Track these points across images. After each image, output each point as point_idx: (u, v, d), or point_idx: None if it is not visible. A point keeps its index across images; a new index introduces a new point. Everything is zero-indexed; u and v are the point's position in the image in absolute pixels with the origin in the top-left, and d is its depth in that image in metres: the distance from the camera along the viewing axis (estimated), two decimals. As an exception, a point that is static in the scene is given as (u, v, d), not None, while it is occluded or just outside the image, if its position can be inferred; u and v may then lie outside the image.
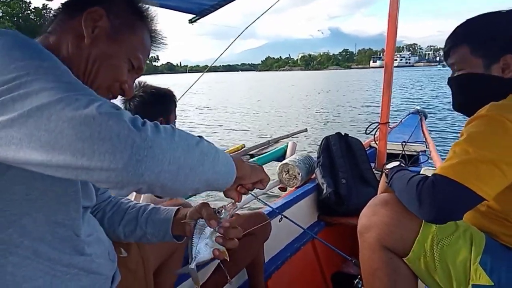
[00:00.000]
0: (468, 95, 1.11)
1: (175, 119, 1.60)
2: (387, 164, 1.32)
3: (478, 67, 1.07)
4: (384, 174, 1.32)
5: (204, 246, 0.84)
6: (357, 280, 1.52)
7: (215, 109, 16.38)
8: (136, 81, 1.09)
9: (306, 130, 5.19)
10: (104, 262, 0.78)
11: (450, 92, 1.19)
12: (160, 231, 0.91)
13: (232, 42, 2.33)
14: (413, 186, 0.99)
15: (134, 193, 1.49)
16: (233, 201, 0.82)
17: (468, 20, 1.13)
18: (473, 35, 1.09)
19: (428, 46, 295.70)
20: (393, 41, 2.33)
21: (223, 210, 0.82)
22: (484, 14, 1.11)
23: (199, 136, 0.62)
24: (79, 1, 0.76)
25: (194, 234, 0.83)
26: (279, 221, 1.78)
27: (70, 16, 0.75)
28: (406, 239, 1.03)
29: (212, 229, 0.82)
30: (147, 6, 0.84)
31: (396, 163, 1.27)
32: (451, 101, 1.20)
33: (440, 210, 0.94)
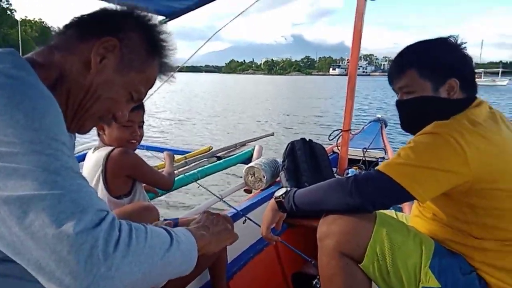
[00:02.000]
0: (419, 116, 1.16)
1: (143, 124, 1.58)
2: (279, 194, 1.31)
3: (428, 89, 1.14)
4: (273, 204, 1.33)
5: None
6: (315, 280, 1.58)
7: (183, 110, 16.08)
8: None
9: (272, 134, 5.26)
10: None
11: (398, 113, 1.25)
12: None
13: (203, 45, 2.36)
14: (343, 181, 1.12)
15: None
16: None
17: (411, 46, 1.22)
18: (421, 60, 1.16)
19: (383, 57, 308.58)
20: (356, 53, 2.44)
21: None
22: (424, 41, 1.22)
23: (170, 236, 0.64)
24: (95, 25, 0.73)
25: None
26: (243, 223, 1.80)
27: (81, 37, 0.72)
28: (361, 246, 1.09)
29: None
30: (166, 38, 0.80)
31: (284, 189, 1.31)
32: (400, 121, 1.26)
33: (368, 198, 1.07)
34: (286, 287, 2.09)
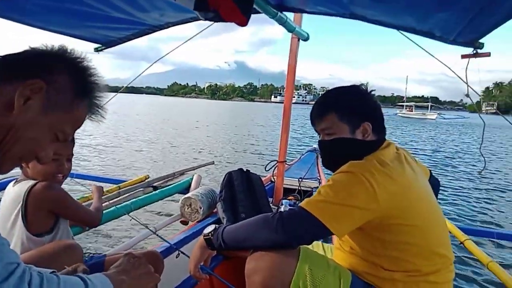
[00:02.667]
0: (338, 155, 1.27)
1: (72, 156, 1.51)
2: (207, 231, 1.35)
3: (346, 132, 1.27)
4: (201, 241, 1.35)
5: None
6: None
7: (119, 135, 15.25)
8: None
9: (213, 163, 5.20)
10: None
11: (320, 153, 1.38)
12: None
13: (148, 68, 2.38)
14: (269, 218, 1.17)
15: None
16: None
17: (331, 92, 1.35)
18: (339, 105, 1.30)
19: (321, 87, 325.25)
20: (291, 88, 2.58)
21: None
22: (342, 87, 1.36)
23: (85, 286, 0.66)
24: (22, 67, 0.70)
25: None
26: (176, 257, 1.76)
27: (6, 78, 0.69)
28: (285, 282, 1.14)
29: None
30: (95, 80, 0.79)
31: (213, 226, 1.35)
32: (321, 159, 1.39)
33: (292, 234, 1.13)
34: (220, 322, 2.05)
